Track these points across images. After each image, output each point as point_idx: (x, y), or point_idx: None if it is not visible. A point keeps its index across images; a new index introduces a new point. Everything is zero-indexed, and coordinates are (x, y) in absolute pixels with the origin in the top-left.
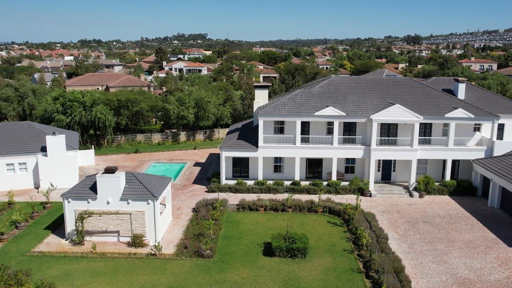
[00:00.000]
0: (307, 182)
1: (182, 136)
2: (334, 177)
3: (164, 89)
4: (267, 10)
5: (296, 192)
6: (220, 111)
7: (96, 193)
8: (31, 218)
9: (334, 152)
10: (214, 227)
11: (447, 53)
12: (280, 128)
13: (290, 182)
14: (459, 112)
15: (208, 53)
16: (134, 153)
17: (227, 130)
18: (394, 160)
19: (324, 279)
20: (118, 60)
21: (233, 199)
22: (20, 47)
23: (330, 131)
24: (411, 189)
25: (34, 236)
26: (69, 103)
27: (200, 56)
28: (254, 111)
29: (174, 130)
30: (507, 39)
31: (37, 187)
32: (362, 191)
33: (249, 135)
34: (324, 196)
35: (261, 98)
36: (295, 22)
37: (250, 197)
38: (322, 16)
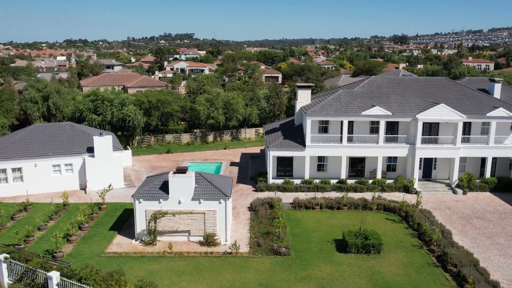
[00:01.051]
0: (352, 181)
1: (210, 136)
2: (379, 176)
3: (183, 89)
4: (254, 10)
5: (343, 190)
6: (247, 111)
7: (167, 193)
8: (91, 219)
9: (379, 151)
10: (282, 225)
11: (438, 52)
12: (324, 127)
13: (336, 180)
14: (500, 111)
15: (202, 53)
16: (166, 154)
17: (253, 130)
18: (435, 158)
19: (406, 274)
20: (113, 60)
21: (283, 198)
22: (6, 47)
23: (373, 130)
24: (453, 186)
25: (102, 237)
26: (99, 102)
27: (197, 56)
28: (296, 111)
29: (196, 131)
30: (492, 38)
31: (82, 188)
32: (408, 189)
33: (293, 135)
34: (372, 194)
35: (304, 98)
36: (281, 22)
37: (299, 195)
38: (308, 16)
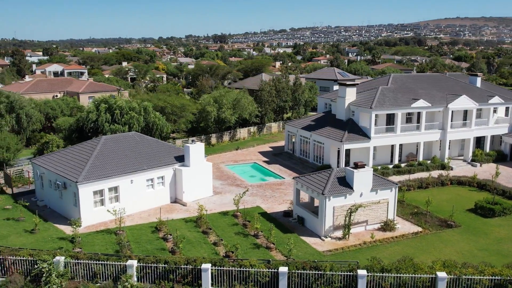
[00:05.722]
0: (403, 164)
1: (213, 138)
2: (420, 158)
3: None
4: (58, 8)
5: (401, 173)
6: (251, 110)
7: (350, 188)
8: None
9: (421, 137)
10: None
11: (271, 51)
12: (374, 120)
13: (391, 165)
14: (496, 99)
15: (39, 53)
16: None
17: (246, 129)
18: (449, 140)
19: None
20: None
21: None
22: None
23: (407, 120)
24: (469, 160)
25: (291, 241)
26: (118, 111)
27: (46, 57)
28: (344, 106)
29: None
30: (300, 37)
31: (173, 201)
32: (444, 167)
33: (351, 129)
34: (432, 173)
35: (351, 94)
36: (87, 21)
37: None
38: (116, 15)
